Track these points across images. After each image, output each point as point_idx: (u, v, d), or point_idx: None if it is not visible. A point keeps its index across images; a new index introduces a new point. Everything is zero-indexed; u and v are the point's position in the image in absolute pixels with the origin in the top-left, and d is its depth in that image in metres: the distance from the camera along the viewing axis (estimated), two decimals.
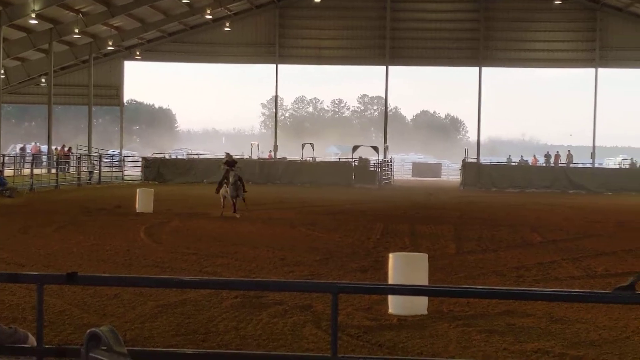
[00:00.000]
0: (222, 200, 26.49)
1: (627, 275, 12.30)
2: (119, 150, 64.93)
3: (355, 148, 55.22)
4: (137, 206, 27.22)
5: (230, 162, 27.14)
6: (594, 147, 60.37)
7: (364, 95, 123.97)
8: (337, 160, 62.06)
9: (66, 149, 55.31)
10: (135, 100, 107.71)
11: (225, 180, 26.25)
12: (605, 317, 10.90)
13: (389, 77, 61.44)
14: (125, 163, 58.91)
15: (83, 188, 44.57)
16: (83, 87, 59.75)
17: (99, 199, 33.51)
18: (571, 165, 58.44)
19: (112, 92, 63.47)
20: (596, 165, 58.80)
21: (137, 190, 28.70)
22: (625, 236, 22.03)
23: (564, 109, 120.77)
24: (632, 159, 68.40)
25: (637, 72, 67.08)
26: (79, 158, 51.89)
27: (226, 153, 29.94)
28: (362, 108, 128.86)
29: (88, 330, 3.31)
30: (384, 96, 64.46)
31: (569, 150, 63.55)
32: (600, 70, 59.51)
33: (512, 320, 10.67)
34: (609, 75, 65.51)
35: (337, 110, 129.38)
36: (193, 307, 11.19)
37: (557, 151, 63.26)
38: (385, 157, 58.10)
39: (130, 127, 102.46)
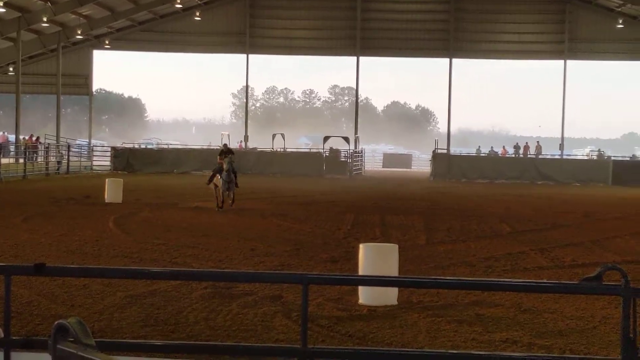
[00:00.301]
0: (215, 191, 25.45)
1: (594, 266, 12.40)
2: (87, 140, 64.41)
3: (326, 139, 55.27)
4: (106, 196, 27.04)
5: (225, 152, 26.02)
6: (562, 138, 60.93)
7: (335, 86, 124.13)
8: (308, 150, 62.04)
9: (34, 138, 54.82)
10: (104, 90, 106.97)
11: (219, 171, 25.12)
12: (573, 308, 11.01)
13: (360, 67, 61.54)
14: (94, 153, 58.44)
15: (51, 178, 44.16)
16: (51, 76, 59.14)
17: (68, 189, 33.24)
18: (540, 156, 58.92)
19: (80, 81, 62.91)
20: (564, 157, 59.34)
21: (106, 180, 28.48)
22: (592, 227, 22.25)
23: (533, 100, 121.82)
24: (599, 151, 69.14)
25: (605, 64, 67.76)
26: (47, 148, 51.43)
27: (224, 144, 29.27)
28: (333, 99, 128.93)
29: (56, 322, 3.29)
30: (354, 87, 64.57)
31: (537, 142, 64.07)
32: (569, 62, 60.01)
33: (481, 311, 10.74)
34: (578, 67, 66.13)
35: (308, 100, 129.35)
36: (162, 298, 11.14)
37: (527, 142, 63.76)
38: (356, 147, 58.20)
39: (99, 117, 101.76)
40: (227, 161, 24.70)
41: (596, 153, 67.11)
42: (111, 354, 5.16)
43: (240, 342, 8.76)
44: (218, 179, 25.05)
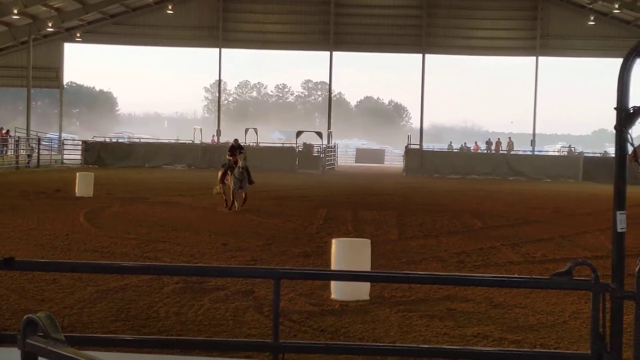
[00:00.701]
0: (222, 190, 23.66)
1: (565, 261, 12.50)
2: (58, 134, 63.87)
3: (299, 133, 55.21)
4: (76, 190, 26.83)
5: (236, 147, 24.06)
6: (534, 134, 61.33)
7: (308, 81, 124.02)
8: (281, 145, 61.95)
9: (4, 131, 54.25)
10: (75, 83, 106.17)
11: (231, 168, 23.22)
12: (544, 302, 11.08)
13: (333, 62, 61.51)
14: (65, 146, 57.98)
15: (21, 171, 43.75)
16: (22, 69, 58.49)
17: (38, 182, 32.93)
18: (512, 152, 59.30)
19: (51, 74, 62.28)
20: (536, 153, 59.75)
21: (77, 174, 28.28)
22: (562, 222, 22.42)
23: (505, 96, 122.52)
24: (570, 147, 69.76)
25: (576, 60, 68.28)
26: (17, 141, 50.92)
27: (235, 139, 26.17)
28: (306, 93, 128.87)
29: (25, 317, 3.25)
30: (328, 82, 64.54)
31: (509, 138, 64.47)
32: (541, 58, 60.38)
33: (453, 305, 10.78)
34: (550, 63, 66.54)
35: (281, 95, 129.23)
36: (133, 293, 11.08)
37: (498, 138, 64.12)
38: (329, 142, 58.21)
39: (70, 110, 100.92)
40: (242, 157, 22.95)
41: (567, 149, 67.70)
42: (81, 349, 5.11)
43: (212, 337, 8.73)
44: (229, 178, 23.19)
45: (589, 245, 17.28)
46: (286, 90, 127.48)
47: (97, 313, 9.94)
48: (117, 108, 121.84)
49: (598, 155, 60.27)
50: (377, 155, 76.15)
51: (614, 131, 5.31)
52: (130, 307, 10.30)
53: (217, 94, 70.44)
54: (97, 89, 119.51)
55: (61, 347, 3.16)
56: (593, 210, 26.12)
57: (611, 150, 57.43)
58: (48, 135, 63.27)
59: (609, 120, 5.37)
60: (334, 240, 12.01)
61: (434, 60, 64.90)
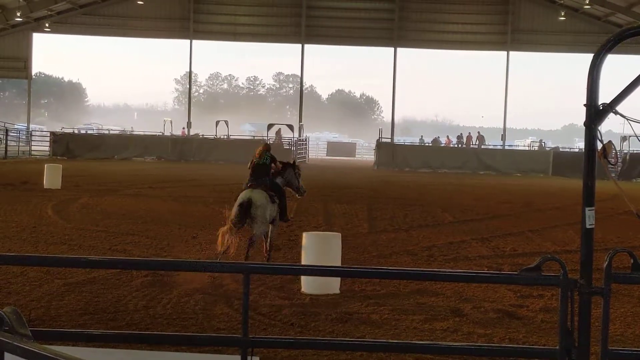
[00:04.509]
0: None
1: (534, 255, 12.57)
2: (26, 124, 63.21)
3: (270, 126, 55.10)
4: (44, 182, 26.57)
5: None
6: (504, 129, 61.71)
7: (280, 73, 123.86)
8: (252, 138, 61.81)
9: None
10: (43, 74, 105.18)
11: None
12: (514, 297, 11.13)
13: (305, 55, 61.43)
14: (33, 138, 57.38)
15: None
16: None
17: (5, 174, 32.56)
18: (482, 146, 59.63)
19: (19, 64, 61.57)
20: (506, 147, 60.13)
21: (45, 165, 28.00)
22: (532, 217, 22.57)
23: (476, 91, 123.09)
24: (540, 141, 70.30)
25: (547, 55, 68.75)
26: None
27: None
28: (278, 86, 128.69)
29: None
30: (299, 74, 64.46)
31: (479, 132, 64.82)
32: (511, 53, 60.71)
33: (422, 299, 10.80)
34: (521, 58, 67.01)
35: (252, 87, 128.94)
36: (102, 286, 10.99)
37: (469, 133, 64.41)
38: (300, 135, 58.15)
39: (38, 101, 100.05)
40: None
41: (537, 144, 68.21)
42: (48, 344, 5.05)
43: (181, 331, 8.68)
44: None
45: (558, 240, 17.41)
46: (257, 82, 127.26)
47: (65, 306, 9.85)
48: (86, 99, 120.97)
49: (568, 150, 60.80)
50: (348, 149, 76.25)
51: (584, 127, 5.34)
52: (98, 300, 10.22)
53: (188, 86, 70.02)
54: (66, 79, 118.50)
55: (27, 342, 3.13)
56: (562, 205, 26.33)
57: (581, 145, 57.77)
58: (16, 126, 62.58)
59: (579, 115, 5.39)
60: (304, 234, 11.99)
61: (405, 53, 65.06)
